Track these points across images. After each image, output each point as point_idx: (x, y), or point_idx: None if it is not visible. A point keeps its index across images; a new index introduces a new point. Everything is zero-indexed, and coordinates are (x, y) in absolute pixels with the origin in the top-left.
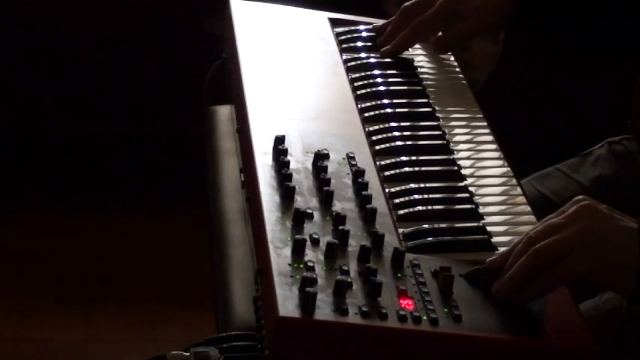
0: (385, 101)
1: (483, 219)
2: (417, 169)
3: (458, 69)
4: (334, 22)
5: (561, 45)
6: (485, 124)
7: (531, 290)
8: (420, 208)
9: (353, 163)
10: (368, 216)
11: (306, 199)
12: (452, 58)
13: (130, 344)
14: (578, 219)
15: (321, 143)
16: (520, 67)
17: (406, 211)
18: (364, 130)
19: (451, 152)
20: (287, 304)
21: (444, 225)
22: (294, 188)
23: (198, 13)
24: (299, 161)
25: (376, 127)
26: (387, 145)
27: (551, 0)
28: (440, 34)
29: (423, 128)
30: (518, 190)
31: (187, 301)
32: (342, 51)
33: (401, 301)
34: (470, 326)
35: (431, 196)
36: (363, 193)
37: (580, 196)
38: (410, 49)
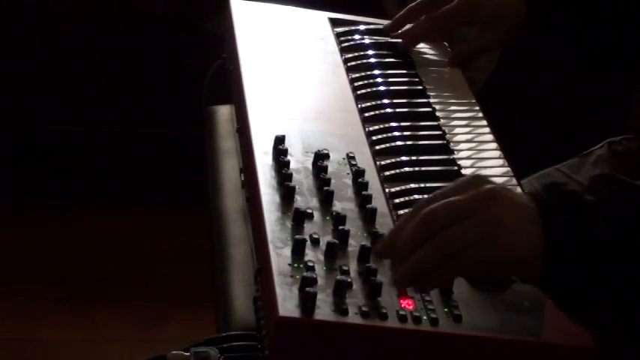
0: (385, 101)
1: None
2: (417, 169)
3: (458, 69)
4: (334, 22)
5: (573, 55)
6: (485, 123)
7: (434, 279)
8: None
9: (353, 163)
10: (368, 216)
11: (306, 199)
12: None
13: (130, 344)
14: (485, 206)
15: (321, 143)
16: (520, 67)
17: (406, 211)
18: (364, 130)
19: (451, 152)
20: (287, 304)
21: None
22: (294, 188)
23: (198, 13)
24: (299, 161)
25: (376, 127)
26: (387, 145)
27: (562, 12)
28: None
29: (423, 128)
30: (519, 190)
31: (187, 301)
32: (342, 51)
33: (401, 301)
34: (470, 326)
35: None
36: (363, 193)
37: (476, 176)
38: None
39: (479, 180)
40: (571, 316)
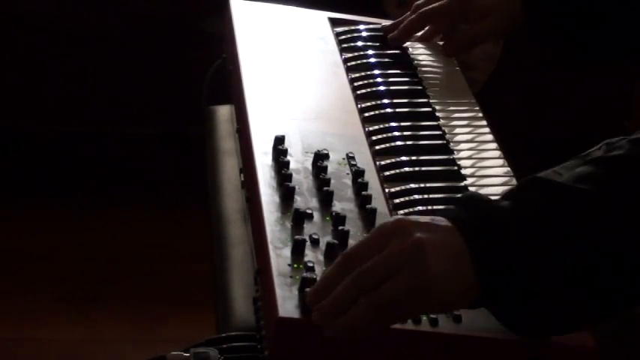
0: (385, 101)
1: None
2: (417, 169)
3: (458, 69)
4: (334, 22)
5: (571, 50)
6: (485, 123)
7: (368, 332)
8: (420, 208)
9: (353, 163)
10: (368, 216)
11: (305, 200)
12: (452, 58)
13: (129, 344)
14: (414, 260)
15: (321, 143)
16: (520, 67)
17: (406, 211)
18: (364, 130)
19: (451, 152)
20: (287, 304)
21: None
22: (293, 188)
23: (198, 13)
24: (299, 161)
25: (376, 127)
26: (387, 145)
27: (560, 6)
28: (448, 35)
29: (423, 128)
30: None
31: (187, 301)
32: (342, 51)
33: None
34: (469, 326)
35: (431, 196)
36: (363, 193)
37: (398, 222)
38: (410, 49)
39: (402, 227)
40: (519, 331)
